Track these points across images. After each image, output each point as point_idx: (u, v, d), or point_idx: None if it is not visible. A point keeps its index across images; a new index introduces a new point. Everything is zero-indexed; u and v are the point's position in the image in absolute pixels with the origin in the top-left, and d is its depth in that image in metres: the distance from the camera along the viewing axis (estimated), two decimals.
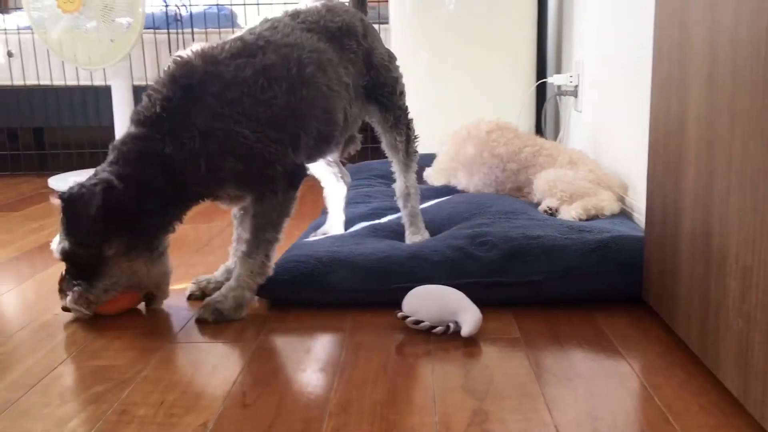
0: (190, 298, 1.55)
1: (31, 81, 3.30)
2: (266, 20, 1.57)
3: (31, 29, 3.06)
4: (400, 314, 1.36)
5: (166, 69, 1.41)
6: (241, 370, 1.19)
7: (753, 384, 0.95)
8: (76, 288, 1.39)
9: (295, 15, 1.58)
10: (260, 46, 1.44)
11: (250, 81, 1.39)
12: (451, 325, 1.31)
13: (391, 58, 1.76)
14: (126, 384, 1.15)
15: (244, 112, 1.37)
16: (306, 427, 1.00)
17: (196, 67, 1.38)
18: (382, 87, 1.70)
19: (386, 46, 1.78)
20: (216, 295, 1.43)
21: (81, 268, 1.38)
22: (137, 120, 1.37)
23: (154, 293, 1.47)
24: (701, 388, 1.09)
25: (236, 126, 1.36)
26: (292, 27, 1.52)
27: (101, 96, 3.33)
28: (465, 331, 1.28)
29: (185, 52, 1.42)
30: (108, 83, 3.08)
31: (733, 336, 1.01)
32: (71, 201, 1.35)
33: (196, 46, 1.44)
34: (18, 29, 3.28)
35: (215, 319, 1.40)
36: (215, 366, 1.21)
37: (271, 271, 1.44)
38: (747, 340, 0.97)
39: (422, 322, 1.33)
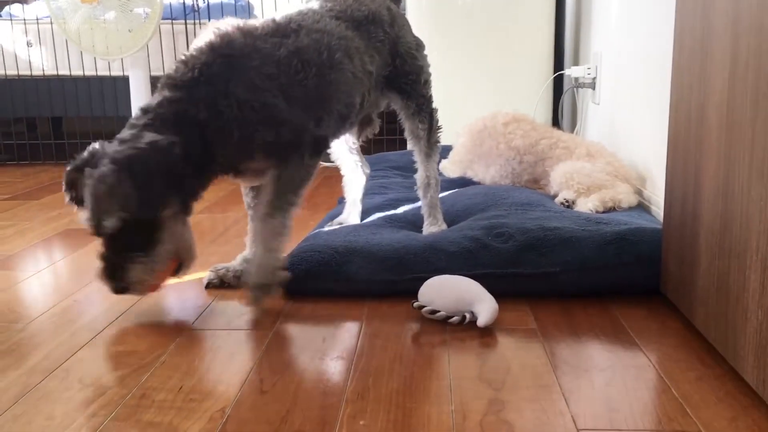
0: (208, 286, 1.56)
1: (50, 71, 3.32)
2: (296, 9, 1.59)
3: (50, 19, 3.08)
4: (416, 304, 1.36)
5: (208, 39, 1.39)
6: (259, 357, 1.20)
7: None
8: (139, 260, 1.29)
9: (323, 3, 1.60)
10: (293, 29, 1.46)
11: (285, 60, 1.41)
12: (468, 315, 1.31)
13: (419, 46, 1.77)
14: (145, 369, 1.16)
15: (279, 87, 1.39)
16: (323, 414, 1.00)
17: (235, 39, 1.39)
18: (406, 75, 1.71)
19: None
20: (248, 266, 1.44)
21: (137, 239, 1.29)
22: (171, 84, 1.34)
23: (185, 259, 1.39)
24: (719, 381, 1.08)
25: (273, 99, 1.37)
26: (321, 14, 1.54)
27: (119, 86, 3.35)
28: (481, 321, 1.28)
29: (223, 25, 1.42)
30: (126, 73, 3.10)
31: (752, 328, 1.00)
32: (130, 165, 1.25)
33: (233, 21, 1.44)
34: (37, 19, 3.30)
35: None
36: (233, 353, 1.22)
37: (288, 232, 1.42)
38: (766, 332, 0.96)
39: (438, 311, 1.33)
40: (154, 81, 3.21)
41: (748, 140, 1.01)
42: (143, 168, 1.26)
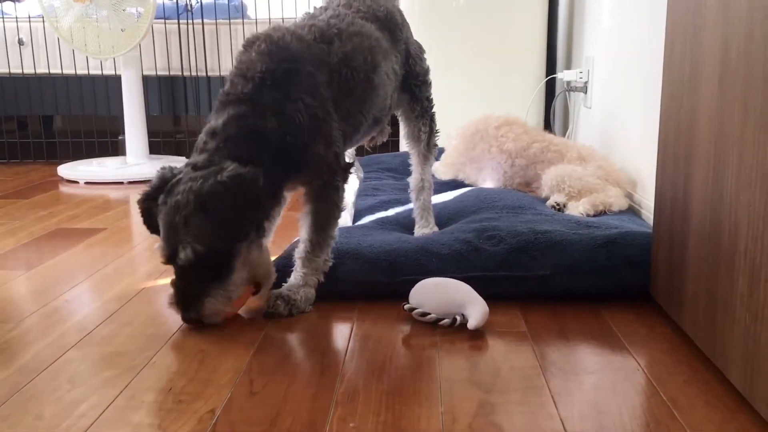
0: None
1: (42, 69, 3.31)
2: (322, 8, 1.57)
3: (43, 18, 3.07)
4: (407, 306, 1.36)
5: (255, 47, 1.34)
6: (249, 359, 1.20)
7: (759, 381, 0.95)
8: (214, 291, 1.26)
9: (347, 4, 1.59)
10: (335, 33, 1.44)
11: (336, 68, 1.41)
12: (458, 318, 1.32)
13: (421, 49, 1.79)
14: (134, 370, 1.16)
15: (332, 96, 1.38)
16: (313, 416, 1.01)
17: (290, 43, 1.36)
18: (416, 77, 1.73)
19: None
20: (284, 290, 1.40)
21: (212, 268, 1.25)
22: (234, 100, 1.30)
23: (262, 280, 1.38)
24: (707, 384, 1.09)
25: (330, 108, 1.37)
26: (352, 15, 1.52)
27: (111, 85, 3.34)
28: (472, 323, 1.29)
29: (268, 31, 1.38)
30: (118, 73, 3.09)
31: (740, 333, 1.01)
32: (210, 198, 1.20)
33: (276, 26, 1.41)
34: (29, 17, 3.29)
35: (290, 311, 1.37)
36: (223, 354, 1.22)
37: (328, 268, 1.43)
38: (754, 337, 0.97)
39: (429, 314, 1.33)
40: (146, 81, 3.21)
41: (737, 147, 1.02)
42: (225, 203, 1.21)
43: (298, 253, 1.43)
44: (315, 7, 1.61)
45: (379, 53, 1.52)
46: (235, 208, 1.22)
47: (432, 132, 1.78)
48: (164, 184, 1.28)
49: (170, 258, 1.25)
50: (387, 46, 1.58)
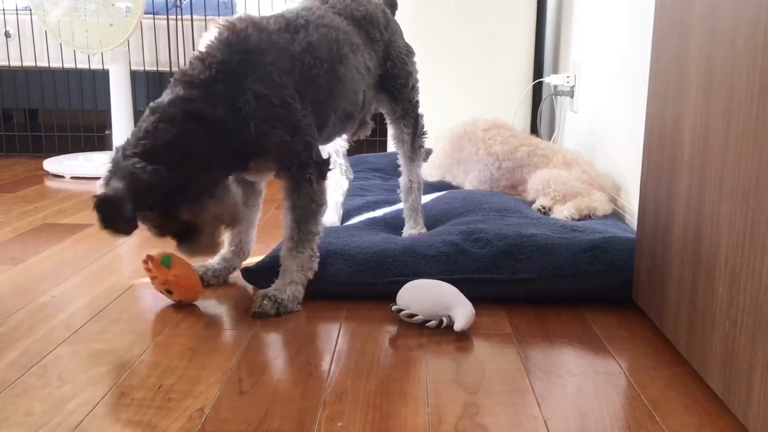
0: None
1: (29, 62, 3.29)
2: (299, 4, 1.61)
3: (30, 10, 3.05)
4: (394, 307, 1.38)
5: (216, 35, 1.38)
6: (238, 357, 1.21)
7: (737, 385, 0.98)
8: (183, 245, 1.40)
9: (324, 0, 1.62)
10: (301, 24, 1.47)
11: (299, 56, 1.43)
12: (444, 320, 1.33)
13: (409, 53, 1.81)
14: (124, 367, 1.16)
15: (294, 85, 1.41)
16: (301, 416, 1.02)
17: (250, 34, 1.39)
18: (394, 78, 1.74)
19: None
20: (271, 289, 1.41)
21: (178, 233, 1.38)
22: (188, 82, 1.34)
23: (231, 224, 1.45)
24: (686, 388, 1.12)
25: (289, 97, 1.39)
26: (324, 10, 1.56)
27: (98, 79, 3.33)
28: (458, 325, 1.31)
29: (234, 20, 1.41)
30: (106, 67, 3.08)
31: (719, 338, 1.04)
32: (107, 201, 1.27)
33: (243, 16, 1.44)
34: (17, 10, 3.26)
35: (278, 311, 1.39)
36: (212, 353, 1.23)
37: (317, 265, 1.45)
38: (733, 342, 0.99)
39: (416, 315, 1.35)
40: (134, 76, 3.20)
41: (720, 156, 1.05)
42: (112, 211, 1.27)
43: (282, 252, 1.45)
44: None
45: (347, 46, 1.54)
46: (124, 215, 1.27)
47: (416, 133, 1.79)
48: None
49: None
50: (359, 42, 1.60)
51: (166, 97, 1.34)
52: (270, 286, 1.43)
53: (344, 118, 1.57)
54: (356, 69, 1.56)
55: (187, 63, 1.37)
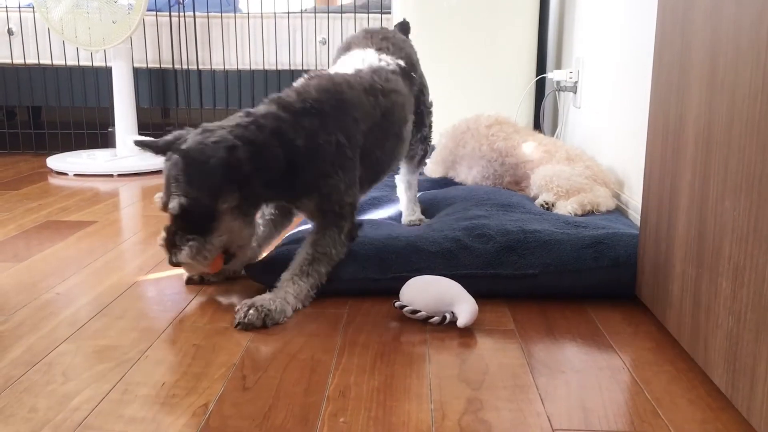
0: (189, 282, 1.57)
1: (31, 60, 3.29)
2: (358, 56, 1.73)
3: (33, 7, 3.05)
4: (397, 304, 1.38)
5: (315, 81, 1.53)
6: (242, 353, 1.21)
7: (740, 380, 0.98)
8: (191, 243, 1.37)
9: (379, 47, 1.75)
10: (379, 90, 1.61)
11: (378, 121, 1.58)
12: (448, 316, 1.34)
13: (424, 78, 1.93)
14: (128, 364, 1.17)
15: (366, 144, 1.54)
16: (305, 411, 1.02)
17: (345, 90, 1.53)
18: (420, 110, 1.88)
19: None
20: (259, 298, 1.36)
21: (195, 223, 1.37)
22: (282, 105, 1.45)
23: (235, 251, 1.45)
24: (690, 384, 1.12)
25: (356, 153, 1.51)
26: (387, 71, 1.69)
27: (101, 77, 3.33)
28: (461, 321, 1.31)
29: (332, 74, 1.58)
30: (109, 64, 3.08)
31: (722, 333, 1.04)
32: (192, 156, 1.34)
33: (339, 71, 1.62)
34: (19, 7, 3.27)
35: (264, 322, 1.33)
36: (216, 349, 1.23)
37: (308, 303, 1.44)
38: (736, 338, 0.99)
39: (419, 312, 1.35)
40: (137, 73, 3.20)
41: (723, 152, 1.04)
42: (202, 161, 1.33)
43: (285, 275, 1.43)
44: (345, 42, 1.81)
45: (408, 108, 1.71)
46: (212, 170, 1.32)
47: (426, 153, 1.95)
48: (176, 140, 1.40)
49: (165, 206, 1.38)
50: (410, 99, 1.75)
51: (262, 108, 1.45)
52: (264, 293, 1.40)
53: (389, 170, 1.72)
54: (410, 127, 1.74)
55: (285, 90, 1.50)
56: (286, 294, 1.39)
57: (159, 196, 1.40)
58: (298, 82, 1.55)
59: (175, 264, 1.40)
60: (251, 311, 1.33)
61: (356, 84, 1.56)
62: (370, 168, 1.59)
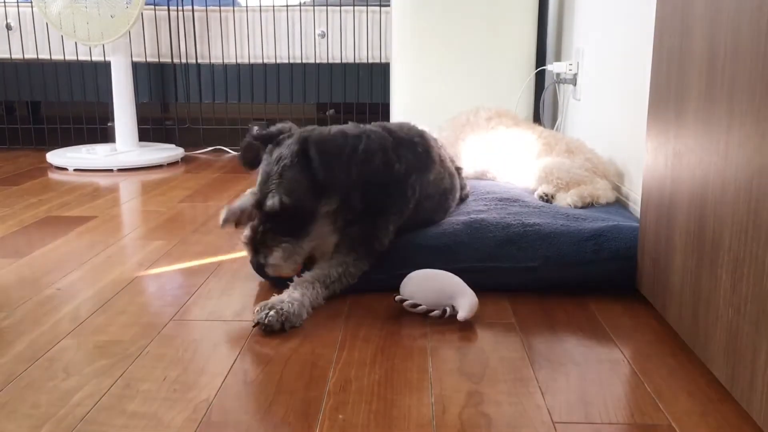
0: (224, 224, 1.55)
1: (30, 55, 3.29)
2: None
3: (31, 2, 3.05)
4: (398, 298, 1.38)
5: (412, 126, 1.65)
6: (243, 348, 1.22)
7: (740, 372, 0.98)
8: (285, 245, 1.33)
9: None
10: (440, 160, 1.70)
11: (433, 183, 1.64)
12: (448, 309, 1.34)
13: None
14: (129, 359, 1.17)
15: (419, 199, 1.58)
16: (306, 405, 1.02)
17: (435, 153, 1.66)
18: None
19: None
20: (277, 300, 1.32)
21: (291, 224, 1.34)
22: (389, 130, 1.53)
23: (320, 256, 1.43)
24: (690, 376, 1.12)
25: (408, 202, 1.55)
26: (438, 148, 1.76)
27: (100, 72, 3.33)
28: (461, 315, 1.31)
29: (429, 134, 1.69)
30: (107, 59, 3.08)
31: (722, 326, 1.04)
32: (317, 143, 1.33)
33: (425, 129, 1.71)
34: (17, 2, 3.26)
35: (282, 326, 1.28)
36: (217, 344, 1.24)
37: (310, 310, 1.39)
38: (736, 330, 0.99)
39: (419, 305, 1.35)
40: (135, 67, 3.19)
41: (723, 144, 1.04)
42: (327, 149, 1.32)
43: (305, 277, 1.41)
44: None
45: (453, 199, 1.79)
46: (335, 160, 1.31)
47: None
48: (279, 134, 1.38)
49: (259, 204, 1.34)
50: (456, 194, 1.82)
51: (372, 126, 1.52)
52: (267, 289, 1.40)
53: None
54: (446, 216, 1.76)
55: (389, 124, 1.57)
56: (303, 296, 1.34)
57: (252, 192, 1.35)
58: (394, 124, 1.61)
59: (262, 265, 1.34)
60: (272, 313, 1.27)
61: (437, 155, 1.65)
62: (410, 223, 1.58)
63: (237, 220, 1.54)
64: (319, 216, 1.35)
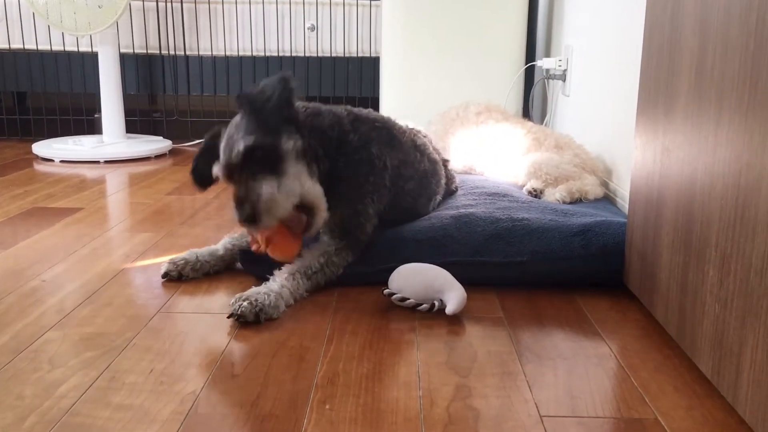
0: (165, 277, 1.50)
1: (16, 45, 3.25)
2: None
3: None
4: (386, 291, 1.38)
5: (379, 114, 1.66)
6: (230, 341, 1.21)
7: (726, 367, 0.99)
8: (267, 181, 1.32)
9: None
10: (425, 152, 1.76)
11: (421, 173, 1.70)
12: (437, 303, 1.34)
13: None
14: (115, 351, 1.16)
15: (402, 192, 1.63)
16: (293, 399, 1.02)
17: (405, 143, 1.68)
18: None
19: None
20: (253, 291, 1.32)
21: (264, 163, 1.34)
22: (350, 110, 1.58)
23: (315, 211, 1.40)
24: (676, 371, 1.13)
25: (386, 184, 1.57)
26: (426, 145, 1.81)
27: (87, 62, 3.30)
28: (450, 309, 1.31)
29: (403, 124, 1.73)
30: (95, 50, 3.05)
31: (708, 321, 1.05)
32: (251, 98, 1.36)
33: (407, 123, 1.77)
34: None
35: (257, 317, 1.28)
36: (204, 337, 1.23)
37: (292, 301, 1.38)
38: (722, 325, 1.00)
39: (408, 299, 1.35)
40: (123, 58, 3.16)
41: (712, 141, 1.05)
42: (260, 98, 1.36)
43: (287, 269, 1.40)
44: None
45: (439, 186, 1.84)
46: (269, 101, 1.35)
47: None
48: (217, 133, 1.44)
49: (229, 160, 1.35)
50: (442, 183, 1.87)
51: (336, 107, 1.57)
52: (258, 285, 1.37)
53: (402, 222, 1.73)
54: (435, 202, 1.81)
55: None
56: (282, 288, 1.34)
57: (218, 165, 1.39)
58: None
59: (251, 216, 1.30)
60: (245, 304, 1.28)
61: (408, 138, 1.68)
62: (392, 210, 1.60)
63: (179, 272, 1.50)
64: (286, 154, 1.35)
